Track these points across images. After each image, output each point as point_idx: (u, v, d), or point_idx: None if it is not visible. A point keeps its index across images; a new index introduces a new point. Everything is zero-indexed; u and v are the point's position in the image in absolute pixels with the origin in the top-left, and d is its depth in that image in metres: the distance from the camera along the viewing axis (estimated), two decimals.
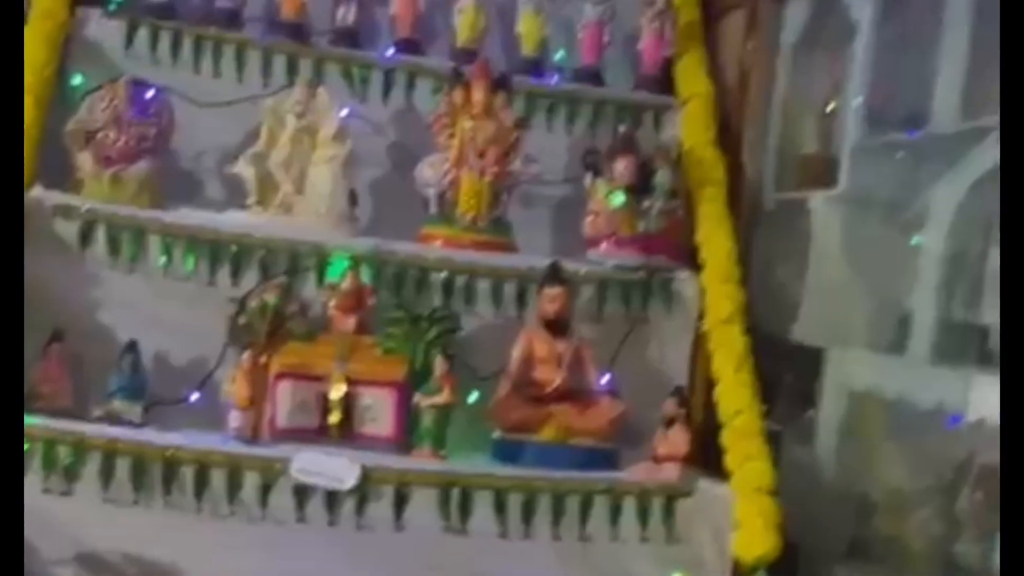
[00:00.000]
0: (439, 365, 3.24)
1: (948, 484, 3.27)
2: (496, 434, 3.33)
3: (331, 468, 3.02)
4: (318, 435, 3.21)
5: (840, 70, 3.58)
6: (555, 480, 3.16)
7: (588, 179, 3.71)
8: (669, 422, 3.33)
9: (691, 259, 3.70)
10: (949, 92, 3.09)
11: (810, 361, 3.51)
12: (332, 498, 3.02)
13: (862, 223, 3.50)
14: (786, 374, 3.59)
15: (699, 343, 3.62)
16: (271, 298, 3.30)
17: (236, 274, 3.40)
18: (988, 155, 2.93)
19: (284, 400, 3.21)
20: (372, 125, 3.83)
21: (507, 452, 3.30)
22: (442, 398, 3.22)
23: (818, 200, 3.64)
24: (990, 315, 2.99)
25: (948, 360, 3.06)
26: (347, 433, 3.23)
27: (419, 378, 3.28)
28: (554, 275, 3.43)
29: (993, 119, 2.83)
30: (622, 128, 3.82)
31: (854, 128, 3.49)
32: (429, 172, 3.67)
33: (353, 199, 3.63)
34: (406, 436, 3.26)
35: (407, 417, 3.26)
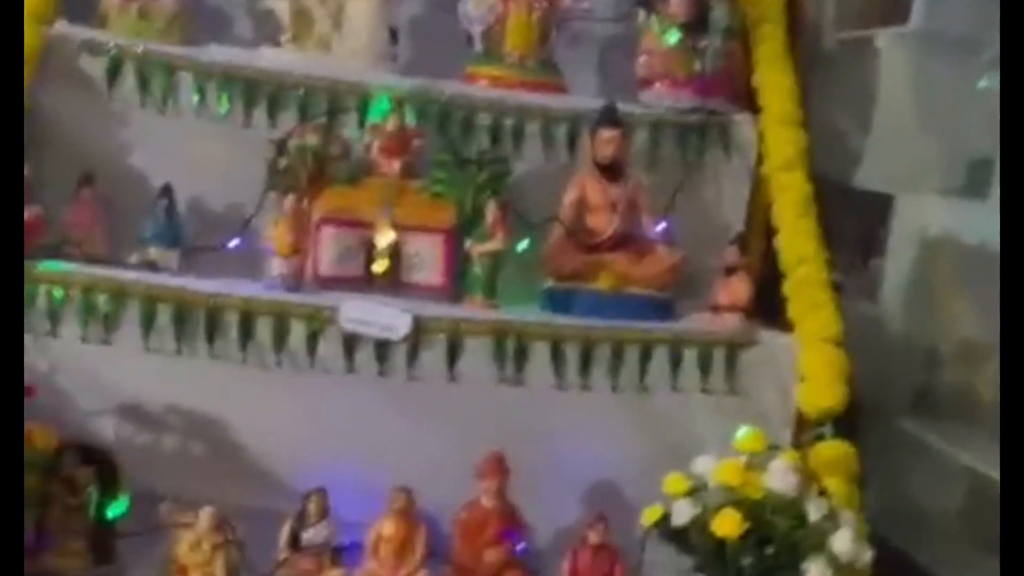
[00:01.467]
0: (491, 211, 3.06)
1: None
2: (548, 283, 3.18)
3: (382, 317, 2.88)
4: (363, 283, 3.06)
5: None
6: (614, 329, 3.02)
7: (641, 16, 3.50)
8: (730, 271, 3.18)
9: (749, 101, 3.51)
10: None
11: (877, 208, 3.35)
12: (382, 348, 2.88)
13: (937, 62, 3.30)
14: (850, 222, 3.42)
15: (757, 189, 3.46)
16: (312, 140, 3.11)
17: (273, 115, 3.22)
18: None
19: (328, 247, 3.05)
20: None
21: (560, 301, 3.15)
22: (494, 245, 3.06)
23: (886, 38, 3.43)
24: None
25: None
26: (393, 281, 3.07)
27: (468, 224, 3.12)
28: (609, 116, 3.23)
29: None
30: None
31: None
32: (475, 8, 3.45)
33: (393, 36, 3.43)
34: (455, 285, 3.11)
35: (456, 265, 3.11)
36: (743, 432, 2.78)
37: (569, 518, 2.91)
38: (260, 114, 3.22)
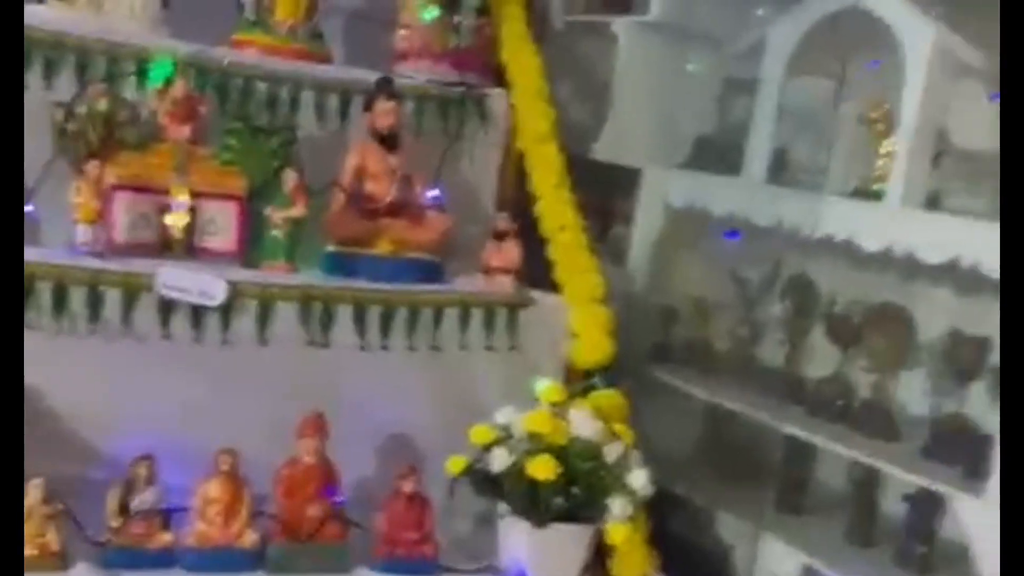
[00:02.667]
0: (290, 178, 3.15)
1: (753, 294, 3.64)
2: (330, 247, 3.30)
3: (198, 284, 2.91)
4: (159, 249, 3.07)
5: None
6: (412, 292, 3.20)
7: None
8: (500, 236, 3.43)
9: (498, 77, 3.78)
10: None
11: (625, 180, 3.73)
12: (196, 314, 2.93)
13: (680, 51, 3.72)
14: (599, 192, 3.76)
15: (508, 160, 3.74)
16: (102, 103, 3.07)
17: (48, 77, 3.13)
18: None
19: (122, 213, 3.02)
20: None
21: (342, 265, 3.27)
22: (296, 212, 3.16)
23: (624, 25, 3.81)
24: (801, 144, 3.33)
25: (777, 182, 3.37)
26: (188, 247, 3.10)
27: (258, 190, 3.20)
28: (387, 89, 3.38)
29: None
30: None
31: None
32: None
33: (165, 2, 3.40)
34: (247, 250, 3.19)
35: (248, 230, 3.19)
36: (544, 384, 3.06)
37: (375, 470, 3.09)
38: (35, 75, 3.12)
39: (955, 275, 3.01)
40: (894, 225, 2.95)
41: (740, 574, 3.26)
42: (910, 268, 3.16)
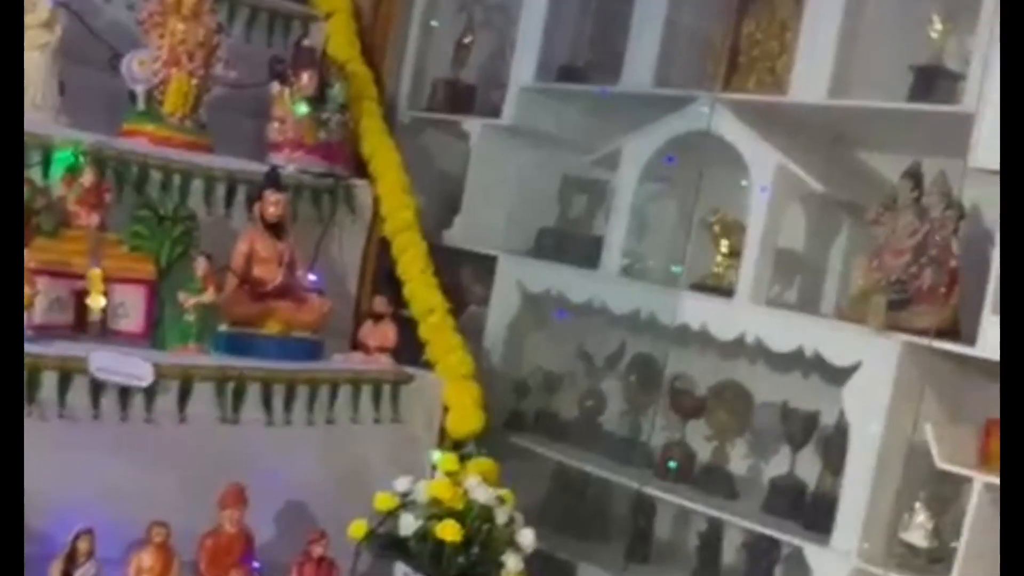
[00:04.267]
0: (202, 265, 3.38)
1: (600, 369, 4.11)
2: (223, 327, 3.54)
3: (127, 366, 3.11)
4: (74, 331, 3.23)
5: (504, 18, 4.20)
6: (313, 371, 3.49)
7: (276, 87, 3.95)
8: (378, 317, 3.76)
9: (360, 169, 4.11)
10: (642, 58, 3.82)
11: (479, 265, 4.14)
12: (123, 394, 3.11)
13: (526, 151, 4.17)
14: (450, 276, 4.13)
15: (371, 246, 4.07)
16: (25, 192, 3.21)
17: None
18: (678, 122, 3.72)
19: (40, 297, 3.18)
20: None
21: (235, 344, 3.52)
22: (207, 297, 3.39)
23: (475, 125, 4.23)
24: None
25: (630, 275, 3.86)
26: (103, 330, 3.28)
27: (162, 275, 3.41)
28: (275, 180, 3.67)
29: (682, 91, 3.66)
30: (306, 41, 4.09)
31: (526, 69, 4.12)
32: (139, 68, 3.69)
33: (62, 90, 3.56)
34: (153, 332, 3.38)
35: (154, 313, 3.39)
36: (440, 455, 3.41)
37: (280, 536, 3.33)
38: None
39: (793, 360, 3.57)
40: (744, 317, 3.48)
41: None
42: (753, 352, 3.72)
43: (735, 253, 3.61)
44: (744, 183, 3.58)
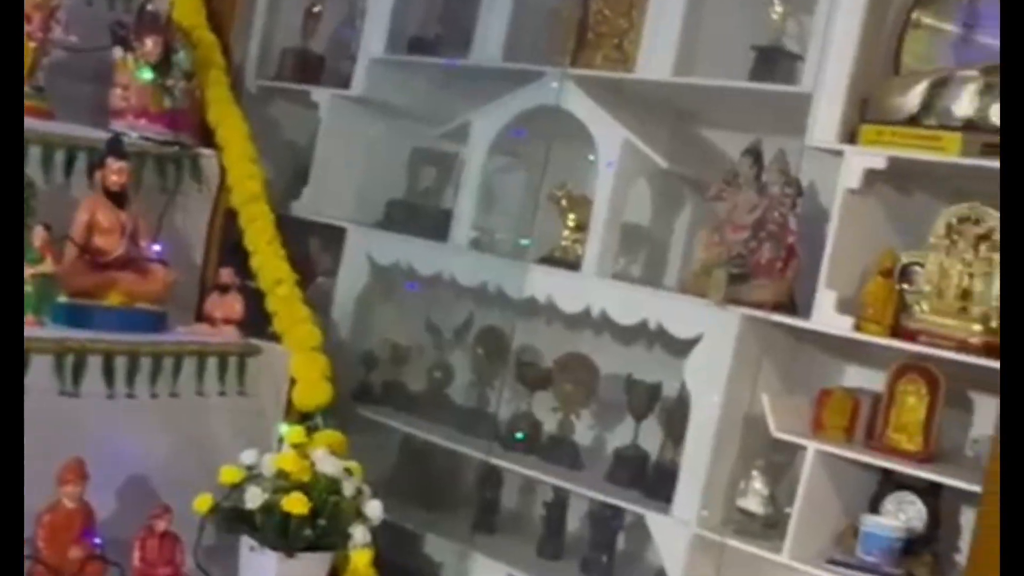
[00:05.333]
0: (39, 235, 3.29)
1: (448, 341, 4.13)
2: (62, 298, 3.45)
3: None
4: None
5: None
6: (157, 343, 3.42)
7: (119, 53, 3.85)
8: (224, 289, 3.71)
9: (206, 137, 4.04)
10: (492, 32, 3.83)
11: (327, 237, 4.12)
12: None
13: (376, 122, 4.15)
14: (297, 247, 4.09)
15: (217, 217, 4.01)
16: None
17: None
18: (528, 96, 3.75)
19: None
20: None
21: (75, 316, 3.42)
22: (45, 267, 3.29)
23: (325, 95, 4.20)
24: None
25: (478, 248, 3.89)
26: None
27: None
28: (117, 148, 3.58)
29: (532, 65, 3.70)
30: (150, 6, 3.98)
31: (376, 40, 4.09)
32: None
33: None
34: None
35: None
36: (287, 428, 3.40)
37: (121, 511, 3.27)
38: None
39: (637, 332, 3.65)
40: (590, 290, 3.54)
41: None
42: (599, 325, 3.78)
43: (582, 227, 3.67)
44: (591, 158, 3.64)
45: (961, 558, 2.91)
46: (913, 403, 3.04)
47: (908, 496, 3.12)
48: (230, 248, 4.01)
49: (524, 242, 3.82)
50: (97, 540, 3.12)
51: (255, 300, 3.80)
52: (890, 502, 3.14)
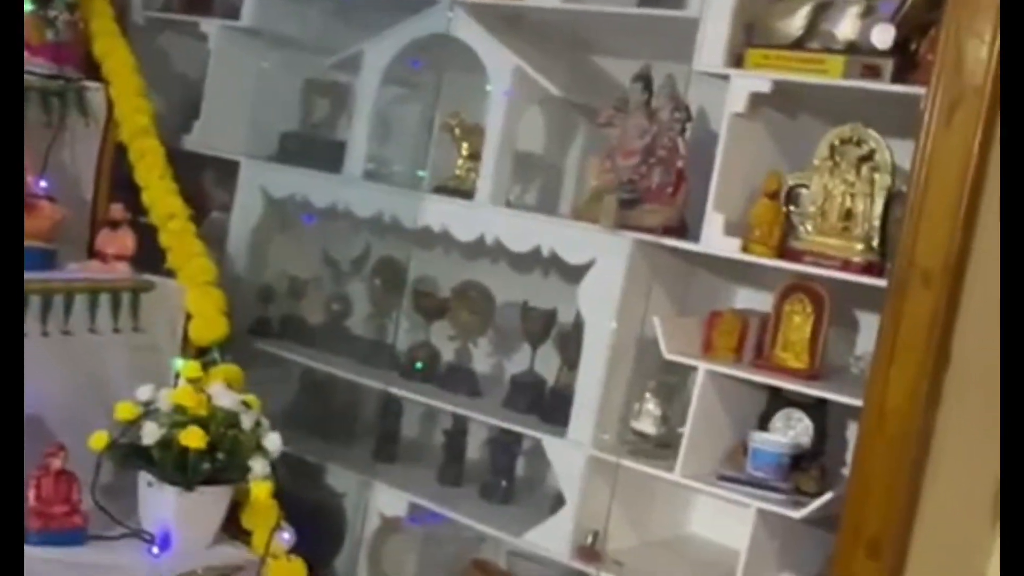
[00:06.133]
0: None
1: (346, 273, 4.13)
2: None
3: None
4: None
5: None
6: (46, 281, 3.36)
7: None
8: (115, 224, 3.66)
9: (92, 71, 3.95)
10: None
11: (220, 170, 4.07)
12: None
13: (267, 53, 4.10)
14: (190, 182, 4.03)
15: (106, 151, 3.94)
16: None
17: None
18: (420, 25, 3.72)
19: None
20: None
21: None
22: None
23: (214, 26, 4.13)
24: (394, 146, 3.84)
25: (373, 179, 3.88)
26: None
27: None
28: None
29: None
30: None
31: None
32: None
33: None
34: None
35: None
36: (183, 363, 3.38)
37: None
38: None
39: (532, 260, 3.68)
40: (484, 219, 3.55)
41: (355, 514, 3.75)
42: (494, 253, 3.80)
43: (475, 156, 3.67)
44: (487, 87, 3.64)
45: (846, 471, 2.99)
46: (799, 322, 3.12)
47: (796, 413, 3.21)
48: (121, 184, 3.96)
49: (420, 173, 3.82)
50: None
51: (148, 236, 3.76)
52: (778, 419, 3.23)
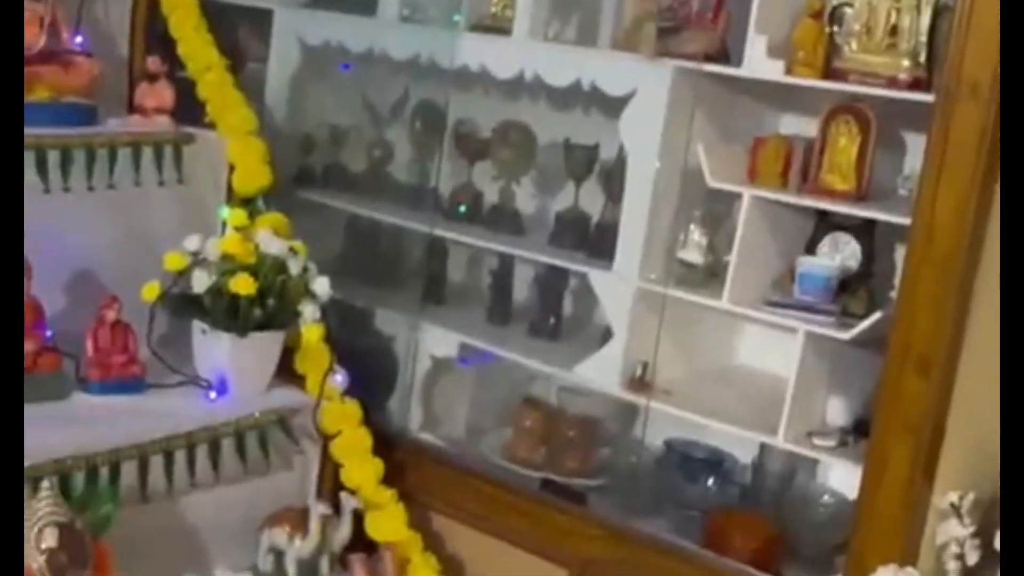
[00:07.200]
0: None
1: (385, 118, 4.11)
2: None
3: None
4: None
5: None
6: (88, 136, 3.38)
7: None
8: (153, 78, 3.66)
9: None
10: None
11: (255, 20, 4.03)
12: None
13: None
14: (225, 33, 3.99)
15: (138, 5, 3.91)
16: None
17: None
18: None
19: None
20: None
21: None
22: None
23: None
24: None
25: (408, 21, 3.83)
26: None
27: None
28: None
29: None
30: None
31: None
32: None
33: None
34: None
35: None
36: (229, 212, 3.41)
37: (68, 306, 3.30)
38: None
39: (573, 95, 3.64)
40: (522, 54, 3.50)
41: (406, 358, 3.80)
42: (534, 91, 3.76)
43: None
44: None
45: (895, 294, 2.97)
46: (845, 144, 3.07)
47: (843, 236, 3.19)
48: (156, 37, 3.93)
49: (456, 17, 3.74)
50: (48, 333, 3.16)
51: (187, 90, 3.75)
52: (826, 243, 3.21)
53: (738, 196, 3.16)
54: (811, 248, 3.23)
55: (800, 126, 3.37)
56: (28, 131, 3.25)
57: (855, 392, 3.19)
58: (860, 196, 3.06)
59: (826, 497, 3.25)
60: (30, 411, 2.97)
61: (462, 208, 3.86)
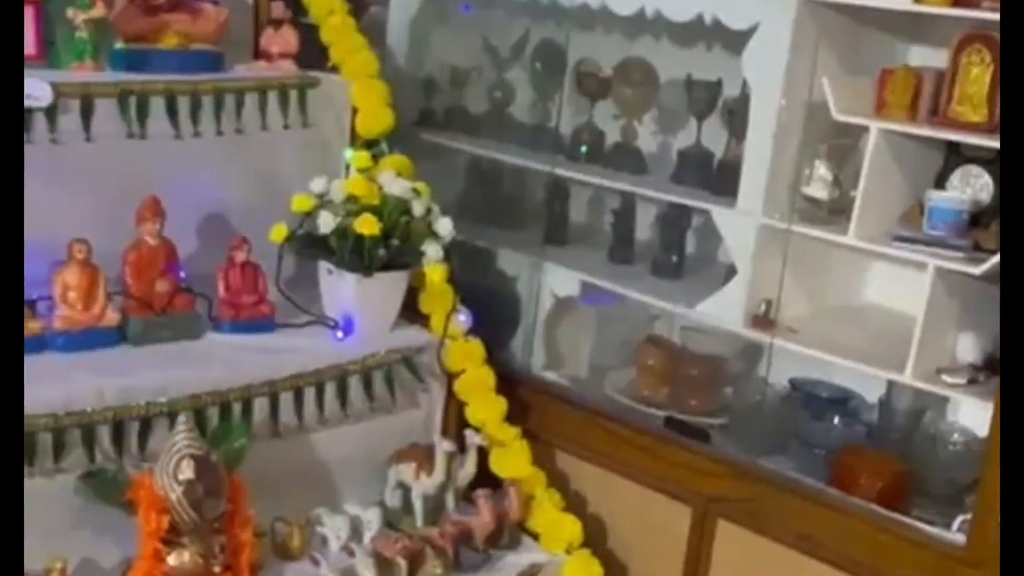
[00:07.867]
0: None
1: (506, 59, 4.11)
2: (119, 45, 3.47)
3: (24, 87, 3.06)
4: None
5: None
6: (217, 81, 3.45)
7: None
8: (277, 23, 3.71)
9: None
10: None
11: None
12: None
13: None
14: None
15: None
16: None
17: None
18: None
19: None
20: None
21: (132, 61, 3.44)
22: (97, 11, 3.30)
23: None
24: None
25: None
26: None
27: None
28: None
29: None
30: None
31: None
32: None
33: None
34: (46, 52, 3.32)
35: (45, 34, 3.31)
36: (352, 154, 3.46)
37: (200, 247, 3.38)
38: None
39: (694, 31, 3.59)
40: None
41: (528, 297, 3.83)
42: (655, 28, 3.73)
43: None
44: None
45: None
46: (977, 74, 2.98)
47: (974, 169, 3.11)
48: None
49: None
50: (182, 274, 3.25)
51: (310, 35, 3.80)
52: (956, 177, 3.13)
53: (865, 129, 3.09)
54: (940, 182, 3.15)
55: (929, 57, 3.27)
56: (159, 77, 3.37)
57: (986, 329, 3.11)
58: (993, 127, 2.97)
59: (956, 435, 3.18)
60: (166, 349, 3.13)
61: (583, 148, 3.86)
